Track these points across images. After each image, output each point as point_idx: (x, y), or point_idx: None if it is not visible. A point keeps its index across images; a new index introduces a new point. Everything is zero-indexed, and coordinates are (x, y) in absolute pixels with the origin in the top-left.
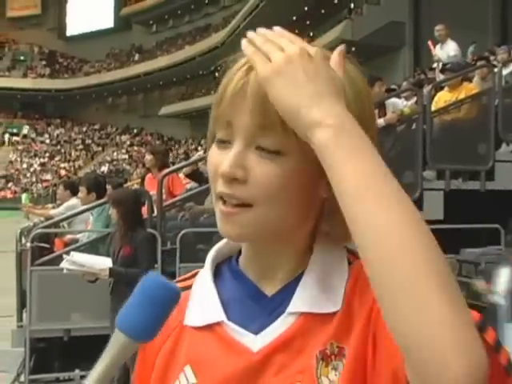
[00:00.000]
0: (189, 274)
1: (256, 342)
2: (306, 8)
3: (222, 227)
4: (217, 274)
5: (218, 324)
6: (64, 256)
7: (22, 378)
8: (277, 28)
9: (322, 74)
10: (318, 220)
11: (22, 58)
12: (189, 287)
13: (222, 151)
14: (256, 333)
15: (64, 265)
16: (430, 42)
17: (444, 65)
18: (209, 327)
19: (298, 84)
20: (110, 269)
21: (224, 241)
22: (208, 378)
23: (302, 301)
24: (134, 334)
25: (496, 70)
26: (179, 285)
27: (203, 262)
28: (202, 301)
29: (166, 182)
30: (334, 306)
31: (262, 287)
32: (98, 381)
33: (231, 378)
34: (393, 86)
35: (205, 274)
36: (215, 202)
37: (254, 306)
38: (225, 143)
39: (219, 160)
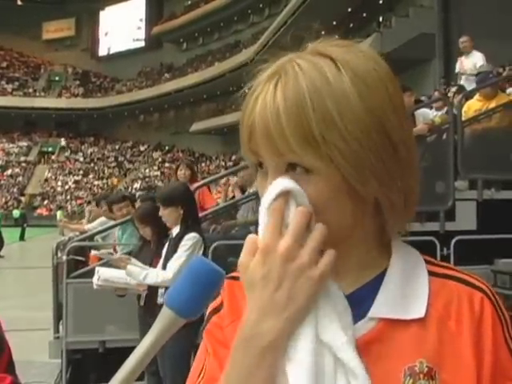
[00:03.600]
0: None
1: None
2: (334, 22)
3: None
4: None
5: None
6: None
7: None
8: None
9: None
10: (379, 214)
11: (56, 78)
12: None
13: (262, 179)
14: None
15: (94, 281)
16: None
17: (476, 75)
18: None
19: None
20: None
21: None
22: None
23: (383, 306)
24: (180, 310)
25: None
26: None
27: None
28: None
29: (196, 195)
30: (418, 313)
31: (338, 286)
32: (145, 354)
33: None
34: (422, 98)
35: None
36: None
37: None
38: (261, 166)
39: (263, 191)
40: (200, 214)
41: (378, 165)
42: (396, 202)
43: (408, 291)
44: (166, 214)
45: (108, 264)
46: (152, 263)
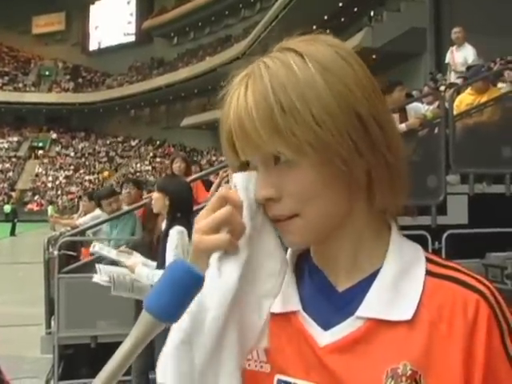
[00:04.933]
0: None
1: (323, 337)
2: (325, 17)
3: (285, 239)
4: (298, 265)
5: (293, 313)
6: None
7: None
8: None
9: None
10: (370, 198)
11: (47, 73)
12: None
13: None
14: (325, 327)
15: (97, 279)
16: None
17: (468, 68)
18: (285, 315)
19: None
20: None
21: None
22: (278, 361)
23: (371, 306)
24: (158, 314)
25: None
26: None
27: None
28: (284, 289)
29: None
30: (405, 315)
31: (334, 281)
32: (124, 358)
33: (299, 364)
34: (413, 92)
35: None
36: (277, 226)
37: (323, 299)
38: (248, 165)
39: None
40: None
41: (349, 144)
42: (382, 178)
43: (399, 292)
44: (154, 197)
45: (107, 261)
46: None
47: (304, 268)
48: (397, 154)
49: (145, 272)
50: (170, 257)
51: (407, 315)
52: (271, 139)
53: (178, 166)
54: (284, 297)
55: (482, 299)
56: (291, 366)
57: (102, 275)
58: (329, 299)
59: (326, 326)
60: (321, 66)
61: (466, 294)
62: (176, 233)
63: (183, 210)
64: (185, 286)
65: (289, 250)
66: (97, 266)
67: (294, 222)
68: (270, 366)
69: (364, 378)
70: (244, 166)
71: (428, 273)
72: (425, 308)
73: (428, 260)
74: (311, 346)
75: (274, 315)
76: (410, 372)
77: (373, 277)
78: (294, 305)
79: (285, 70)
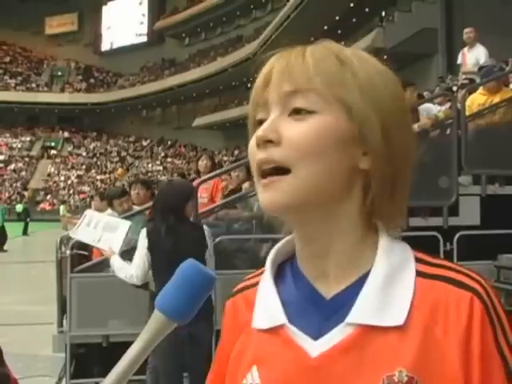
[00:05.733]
0: (259, 271)
1: (314, 348)
2: (337, 17)
3: (263, 198)
4: (280, 273)
5: (281, 326)
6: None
7: (64, 383)
8: None
9: None
10: (366, 201)
11: (59, 73)
12: (255, 285)
13: None
14: (315, 337)
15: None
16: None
17: (480, 68)
18: (273, 329)
19: None
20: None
21: (284, 240)
22: (270, 379)
23: (361, 311)
24: (171, 313)
25: None
26: (246, 282)
27: (238, 268)
28: (266, 303)
29: (211, 186)
30: (397, 320)
31: (319, 287)
32: (137, 355)
33: (290, 379)
34: (425, 93)
35: (266, 277)
36: (257, 182)
37: (311, 308)
38: (261, 124)
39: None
40: (210, 207)
41: (384, 131)
42: (385, 177)
43: (389, 296)
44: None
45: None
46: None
47: (286, 277)
48: (404, 169)
49: (117, 264)
50: (136, 252)
51: (399, 320)
52: (324, 87)
53: (204, 163)
54: (269, 312)
55: (476, 297)
56: (282, 383)
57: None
58: (316, 308)
59: (316, 336)
60: (374, 68)
61: (459, 294)
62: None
63: (164, 210)
64: (197, 287)
65: (268, 260)
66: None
67: (284, 179)
68: None
69: None
70: (257, 125)
71: (418, 274)
72: (417, 311)
73: (417, 260)
74: (302, 359)
75: (262, 332)
76: (406, 379)
77: (361, 281)
78: (280, 318)
79: (353, 50)
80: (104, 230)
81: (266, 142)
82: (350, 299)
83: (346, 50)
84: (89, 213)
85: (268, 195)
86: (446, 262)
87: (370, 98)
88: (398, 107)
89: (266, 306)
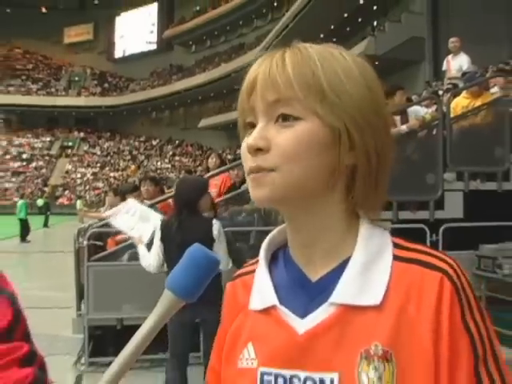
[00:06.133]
0: (255, 260)
1: (301, 325)
2: (332, 26)
3: (254, 192)
4: (274, 260)
5: (273, 307)
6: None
7: (83, 361)
8: None
9: None
10: (350, 193)
11: (76, 78)
12: (253, 271)
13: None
14: (302, 316)
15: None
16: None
17: (462, 74)
18: (266, 310)
19: None
20: None
21: (277, 230)
22: (263, 354)
23: (343, 293)
24: (179, 292)
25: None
26: (245, 269)
27: (242, 259)
28: (261, 287)
29: (219, 182)
30: (374, 300)
31: (307, 272)
32: (149, 331)
33: (280, 354)
34: (413, 97)
35: (260, 263)
36: (248, 181)
37: (299, 290)
38: (252, 128)
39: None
40: (216, 200)
41: (356, 129)
42: (370, 171)
43: (368, 278)
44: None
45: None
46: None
47: (279, 263)
48: (384, 163)
49: (141, 252)
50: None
51: (376, 300)
52: (304, 95)
53: (213, 161)
54: (261, 294)
55: (446, 277)
56: (274, 358)
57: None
58: (304, 289)
59: (303, 314)
60: (357, 62)
61: (431, 275)
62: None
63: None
64: (203, 268)
65: (262, 249)
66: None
67: (269, 175)
68: (256, 362)
69: (340, 360)
70: (247, 129)
71: (395, 258)
72: (393, 292)
73: (395, 245)
74: (291, 335)
75: (257, 312)
76: (381, 352)
77: (343, 266)
78: (272, 300)
79: (324, 51)
80: (140, 219)
81: (256, 150)
82: (333, 282)
83: (318, 55)
84: (130, 201)
85: (255, 190)
86: (420, 247)
87: (341, 106)
88: (367, 107)
89: (261, 289)
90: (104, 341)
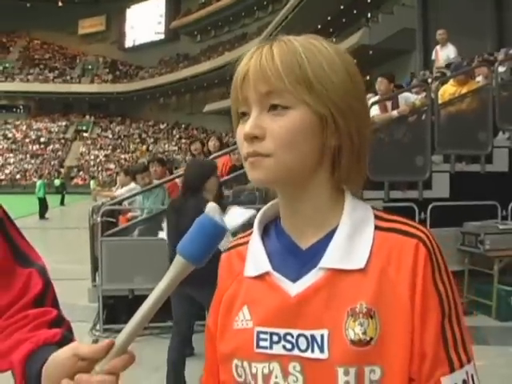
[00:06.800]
0: (248, 232)
1: (293, 289)
2: (329, 18)
3: (251, 175)
4: (266, 231)
5: (267, 273)
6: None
7: (98, 327)
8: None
9: None
10: (335, 170)
11: (89, 67)
12: (247, 243)
13: (245, 124)
14: (294, 280)
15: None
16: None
17: (447, 64)
18: (260, 276)
19: None
20: None
21: (268, 204)
22: (258, 316)
23: (330, 258)
24: (190, 257)
25: (493, 68)
26: (239, 240)
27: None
28: (254, 255)
29: (220, 164)
30: (359, 264)
31: (298, 241)
32: (161, 293)
33: (274, 315)
34: (404, 84)
35: (254, 234)
36: (244, 164)
37: (291, 258)
38: (246, 116)
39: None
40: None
41: (349, 113)
42: (353, 150)
43: (353, 245)
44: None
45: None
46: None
47: (271, 234)
48: (364, 141)
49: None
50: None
51: (360, 264)
52: (293, 87)
53: (213, 144)
54: (256, 262)
55: (421, 243)
56: (269, 318)
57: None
58: (295, 257)
59: (295, 279)
60: (338, 52)
61: (408, 241)
62: None
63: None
64: (211, 236)
65: (256, 220)
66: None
67: (265, 160)
68: (252, 323)
69: (329, 318)
70: (240, 117)
71: (376, 228)
72: (375, 257)
73: (376, 217)
74: (284, 298)
75: (252, 279)
76: (365, 309)
77: (331, 235)
78: (265, 266)
79: (308, 43)
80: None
81: (252, 138)
82: (322, 249)
83: (303, 47)
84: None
85: (255, 174)
86: (399, 218)
87: (325, 94)
88: (349, 94)
89: (255, 257)
90: (117, 309)
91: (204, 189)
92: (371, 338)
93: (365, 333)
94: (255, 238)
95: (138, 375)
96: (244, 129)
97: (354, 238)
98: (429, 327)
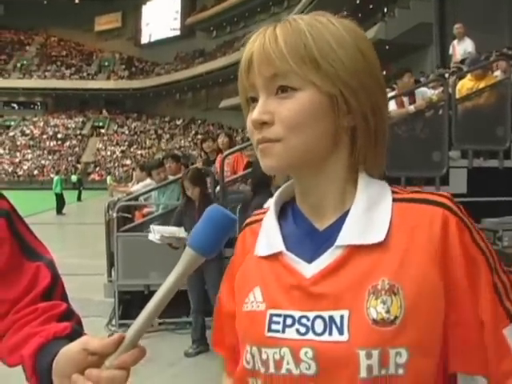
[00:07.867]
0: (262, 210)
1: (308, 270)
2: (345, 13)
3: (263, 162)
4: (282, 212)
5: (280, 253)
6: (151, 229)
7: (114, 322)
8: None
9: None
10: (353, 152)
11: (106, 63)
12: (260, 220)
13: (251, 114)
14: (309, 262)
15: (152, 238)
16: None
17: (463, 59)
18: (273, 256)
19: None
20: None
21: (285, 185)
22: (271, 298)
23: (347, 235)
24: (200, 249)
25: None
26: (253, 218)
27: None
28: (268, 234)
29: (232, 161)
30: (378, 237)
31: (314, 222)
32: (173, 284)
33: (289, 297)
34: (421, 79)
35: (270, 213)
36: (257, 152)
37: (307, 239)
38: (255, 102)
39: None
40: (233, 177)
41: (361, 92)
42: (369, 131)
43: (370, 219)
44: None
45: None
46: (196, 220)
47: (288, 215)
48: (381, 122)
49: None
50: None
51: (380, 237)
52: (299, 67)
53: (221, 140)
54: (269, 241)
55: (448, 211)
56: (283, 300)
57: (155, 234)
58: (312, 238)
59: (310, 260)
60: (348, 29)
61: (433, 210)
62: None
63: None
64: (221, 227)
65: (272, 200)
66: (151, 226)
67: (276, 146)
68: (264, 305)
69: (349, 298)
70: (249, 104)
71: (395, 200)
72: (396, 229)
73: (393, 192)
74: (298, 279)
75: (263, 258)
76: (388, 286)
77: (347, 214)
78: (278, 246)
79: (315, 22)
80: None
81: (261, 124)
82: (338, 229)
83: (308, 26)
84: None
85: (267, 161)
86: (417, 189)
87: (333, 73)
88: (360, 71)
89: (268, 236)
90: (132, 304)
91: (272, 185)
92: (396, 317)
93: (388, 311)
94: (271, 216)
95: (152, 370)
96: (252, 115)
97: (371, 212)
98: (483, 293)
